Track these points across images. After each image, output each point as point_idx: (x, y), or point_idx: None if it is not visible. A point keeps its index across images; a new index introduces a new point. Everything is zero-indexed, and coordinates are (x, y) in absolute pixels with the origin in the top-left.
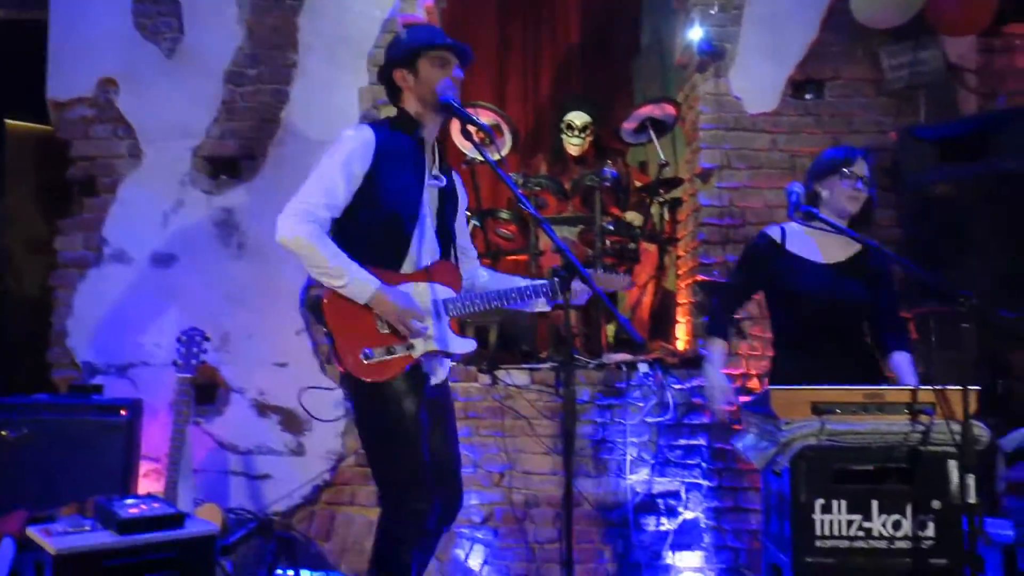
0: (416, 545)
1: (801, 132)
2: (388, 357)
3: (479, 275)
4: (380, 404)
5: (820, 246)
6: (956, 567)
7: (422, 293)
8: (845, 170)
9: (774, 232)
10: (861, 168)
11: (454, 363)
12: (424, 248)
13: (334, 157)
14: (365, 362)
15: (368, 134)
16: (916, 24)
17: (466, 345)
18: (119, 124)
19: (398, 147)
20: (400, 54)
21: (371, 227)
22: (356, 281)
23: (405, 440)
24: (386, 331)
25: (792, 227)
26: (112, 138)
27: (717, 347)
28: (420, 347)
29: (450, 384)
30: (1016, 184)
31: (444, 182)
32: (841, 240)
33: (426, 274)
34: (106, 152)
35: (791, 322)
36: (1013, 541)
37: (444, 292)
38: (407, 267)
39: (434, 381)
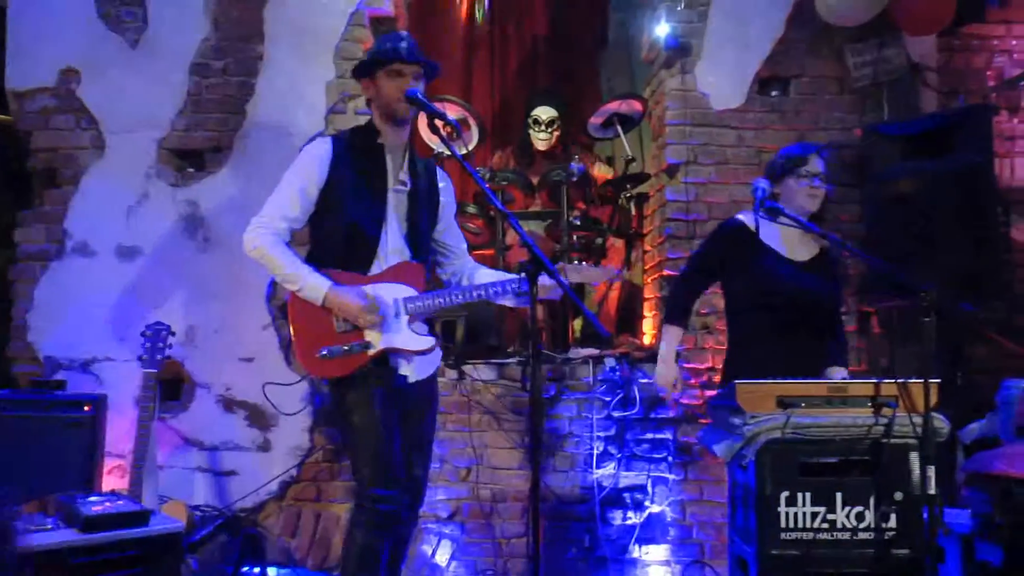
0: (385, 535)
1: (767, 128)
2: (344, 355)
3: (468, 272)
4: (346, 398)
5: (787, 242)
6: (917, 557)
7: (382, 293)
8: (801, 169)
9: (747, 218)
10: (816, 165)
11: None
12: (391, 251)
13: (289, 173)
14: (320, 360)
15: (323, 148)
16: (879, 23)
17: (424, 342)
18: (82, 115)
19: (356, 156)
20: (363, 64)
21: (336, 234)
22: (309, 285)
23: (370, 433)
24: (343, 330)
25: (763, 218)
26: (74, 129)
27: (673, 334)
28: (377, 345)
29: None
30: (976, 180)
31: (409, 186)
32: (805, 239)
33: (388, 275)
34: (68, 143)
35: (756, 314)
36: (971, 531)
37: (405, 291)
38: (375, 269)
39: (408, 376)
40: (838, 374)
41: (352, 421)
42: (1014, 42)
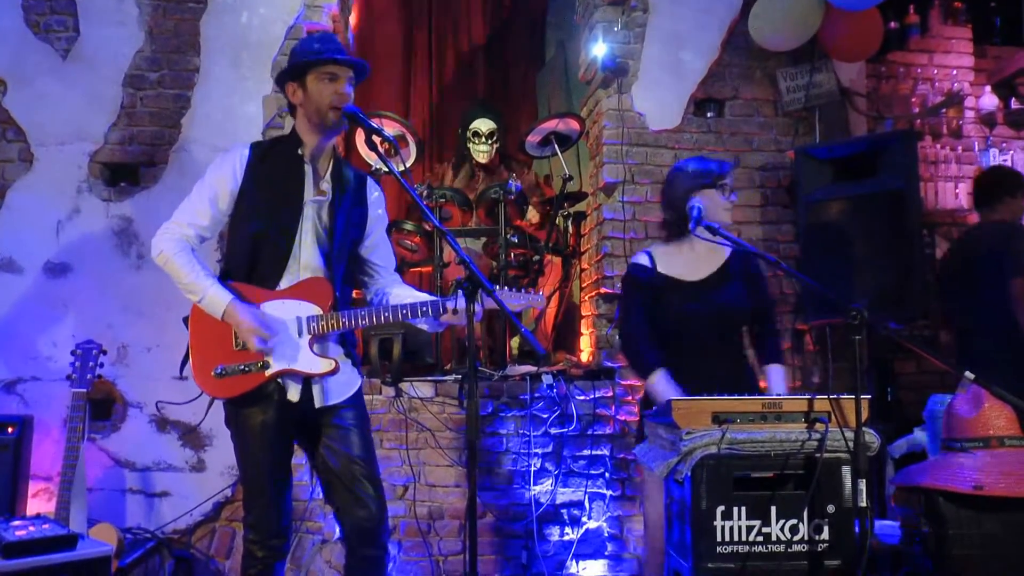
0: (257, 566)
1: (703, 149)
2: (240, 374)
3: (386, 292)
4: (234, 422)
5: (689, 264)
6: (849, 568)
7: (284, 311)
8: (723, 182)
9: (642, 259)
10: (730, 179)
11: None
12: (303, 266)
13: (203, 178)
14: (215, 378)
15: (240, 155)
16: (810, 48)
17: (324, 364)
18: (8, 126)
19: (274, 166)
20: (290, 66)
21: (245, 245)
22: (209, 297)
23: (248, 458)
24: (241, 348)
25: (657, 251)
26: (0, 141)
27: (662, 376)
28: (274, 366)
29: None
30: (902, 203)
31: (328, 198)
32: (707, 254)
33: (294, 291)
34: None
35: (667, 337)
36: (900, 541)
37: (310, 309)
38: (284, 284)
39: (314, 400)
40: (773, 369)
41: (237, 449)
42: (935, 71)
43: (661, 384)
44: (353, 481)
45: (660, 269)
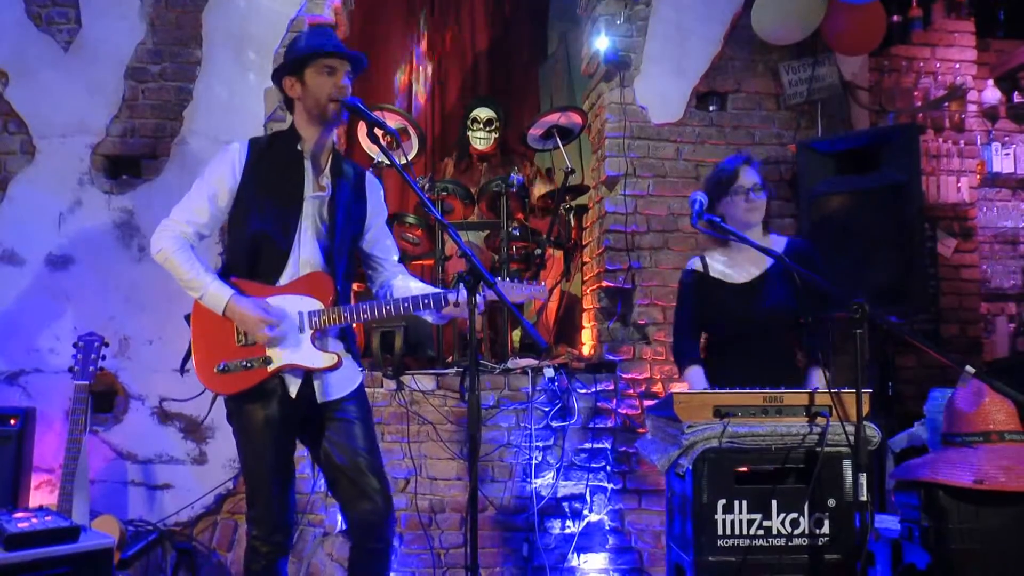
0: (260, 562)
1: (705, 143)
2: (242, 370)
3: (390, 285)
4: (236, 418)
5: (736, 266)
6: (849, 561)
7: (286, 306)
8: (734, 185)
9: (696, 264)
10: (747, 177)
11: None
12: (303, 261)
13: (201, 176)
14: (217, 374)
15: (238, 151)
16: (813, 42)
17: (327, 359)
18: (10, 118)
19: (273, 162)
20: (288, 61)
21: (245, 241)
22: (210, 293)
23: (250, 454)
24: (243, 343)
25: (712, 255)
26: (1, 133)
27: (697, 372)
28: (277, 361)
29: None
30: (904, 197)
31: (328, 194)
32: (751, 256)
33: (295, 286)
34: None
35: (714, 338)
36: (899, 535)
37: (311, 304)
38: (284, 280)
39: (316, 395)
40: (814, 372)
41: (240, 445)
42: (938, 64)
43: (693, 378)
44: (358, 474)
45: (711, 272)
